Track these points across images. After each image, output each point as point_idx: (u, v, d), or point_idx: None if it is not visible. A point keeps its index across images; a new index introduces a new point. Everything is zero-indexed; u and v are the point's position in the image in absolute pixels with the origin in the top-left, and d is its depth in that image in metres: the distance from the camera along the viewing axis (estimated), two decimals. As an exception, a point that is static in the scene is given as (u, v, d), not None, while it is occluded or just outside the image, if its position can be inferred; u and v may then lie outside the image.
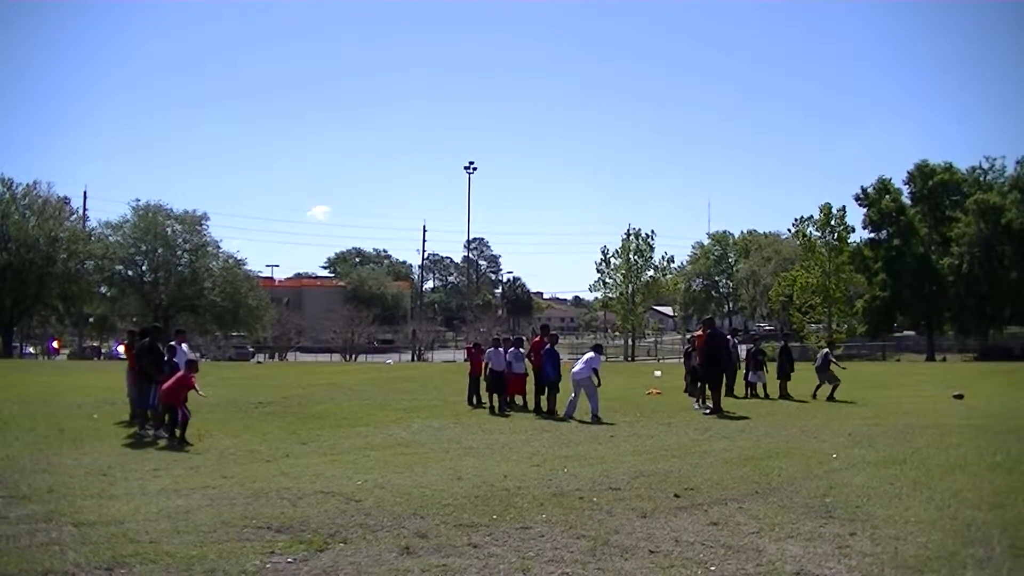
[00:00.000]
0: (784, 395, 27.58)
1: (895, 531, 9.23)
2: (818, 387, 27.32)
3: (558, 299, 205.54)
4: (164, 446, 16.24)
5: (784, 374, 28.06)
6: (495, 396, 23.33)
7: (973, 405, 24.23)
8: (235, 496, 11.09)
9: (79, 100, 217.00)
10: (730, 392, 26.28)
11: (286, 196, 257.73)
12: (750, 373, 28.37)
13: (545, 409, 22.42)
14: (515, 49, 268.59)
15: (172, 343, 19.92)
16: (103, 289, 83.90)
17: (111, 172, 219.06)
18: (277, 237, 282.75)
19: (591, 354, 22.59)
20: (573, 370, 22.01)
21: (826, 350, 28.33)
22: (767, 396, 27.71)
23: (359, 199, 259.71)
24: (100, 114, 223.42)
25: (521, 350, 24.24)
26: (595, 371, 21.66)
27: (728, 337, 26.96)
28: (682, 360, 32.35)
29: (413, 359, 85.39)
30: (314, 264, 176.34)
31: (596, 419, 20.89)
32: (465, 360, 26.88)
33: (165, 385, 17.17)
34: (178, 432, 16.72)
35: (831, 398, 26.51)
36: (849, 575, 7.69)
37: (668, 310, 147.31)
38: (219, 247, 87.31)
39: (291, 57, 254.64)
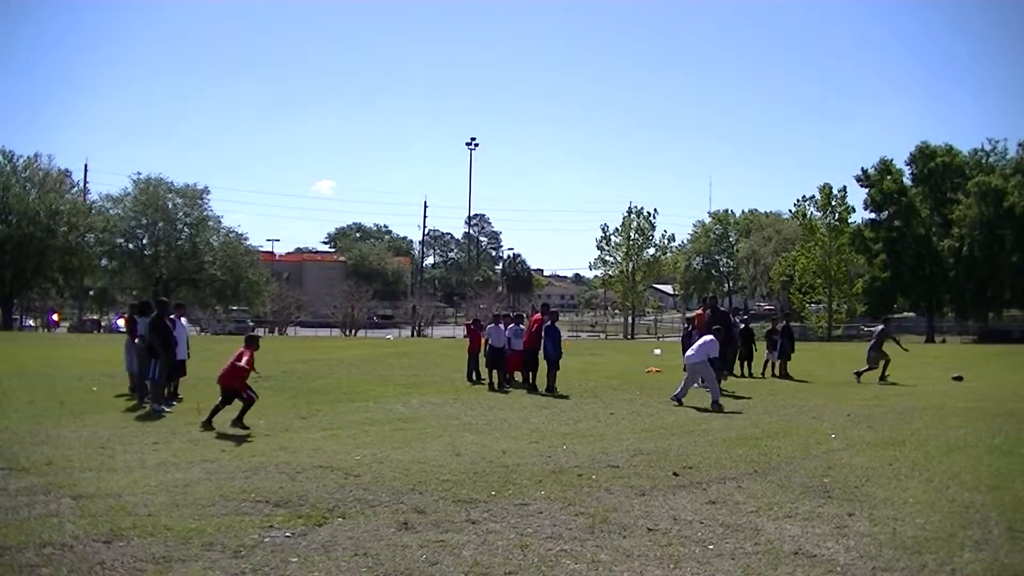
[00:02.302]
0: (784, 375, 27.61)
1: (893, 512, 9.24)
2: (868, 370, 26.31)
3: (558, 276, 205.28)
4: (163, 419, 16.23)
5: (785, 354, 28.15)
6: (495, 372, 23.34)
7: (972, 387, 24.24)
8: (234, 470, 11.10)
9: (81, 72, 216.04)
10: (729, 371, 26.25)
11: (292, 171, 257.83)
12: (766, 352, 28.49)
13: (545, 386, 22.37)
14: (519, 27, 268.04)
15: (172, 317, 19.89)
16: (103, 262, 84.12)
17: (113, 145, 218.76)
18: (282, 212, 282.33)
19: (709, 337, 20.58)
20: (687, 354, 20.78)
21: (882, 327, 27.83)
22: (774, 375, 27.75)
23: (364, 174, 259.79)
24: (102, 87, 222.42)
25: (521, 327, 24.22)
26: (709, 358, 19.90)
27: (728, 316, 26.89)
28: (681, 339, 32.32)
29: (413, 335, 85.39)
30: (319, 239, 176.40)
31: (717, 407, 19.02)
32: (465, 336, 26.88)
33: (224, 367, 15.44)
34: (211, 414, 15.32)
35: (883, 378, 25.91)
36: (847, 555, 7.70)
37: (668, 288, 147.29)
38: (220, 221, 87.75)
39: (297, 31, 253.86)
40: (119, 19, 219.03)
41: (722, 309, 25.23)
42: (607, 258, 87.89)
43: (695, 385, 23.17)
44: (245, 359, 15.32)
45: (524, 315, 27.81)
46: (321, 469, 11.24)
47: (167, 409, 17.15)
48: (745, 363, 28.18)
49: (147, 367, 18.19)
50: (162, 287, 78.19)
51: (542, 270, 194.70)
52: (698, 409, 18.92)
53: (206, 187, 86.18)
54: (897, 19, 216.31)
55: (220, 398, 15.37)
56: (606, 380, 25.30)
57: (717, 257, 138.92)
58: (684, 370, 20.98)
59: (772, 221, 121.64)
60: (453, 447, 13.45)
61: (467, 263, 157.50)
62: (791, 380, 26.66)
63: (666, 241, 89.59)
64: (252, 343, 15.85)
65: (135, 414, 17.09)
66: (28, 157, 76.43)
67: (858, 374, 26.21)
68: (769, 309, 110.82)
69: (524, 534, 8.27)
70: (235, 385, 15.30)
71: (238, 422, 15.03)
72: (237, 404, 15.30)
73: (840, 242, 77.44)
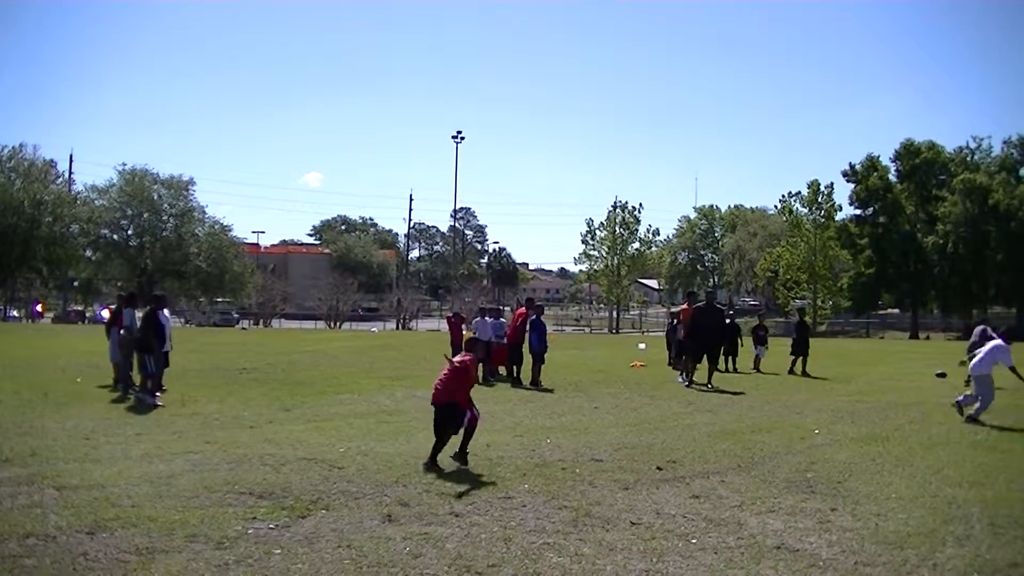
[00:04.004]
0: (804, 372, 26.97)
1: (876, 507, 9.29)
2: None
3: (543, 270, 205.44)
4: (147, 411, 16.16)
5: (803, 351, 27.44)
6: (480, 366, 23.30)
7: (956, 384, 24.28)
8: (218, 462, 11.08)
9: (67, 62, 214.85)
10: (714, 366, 26.06)
11: (281, 163, 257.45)
12: (754, 347, 28.29)
13: (529, 380, 22.35)
14: (506, 21, 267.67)
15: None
16: (88, 253, 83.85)
17: (98, 136, 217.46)
18: (270, 204, 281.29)
19: (997, 343, 16.91)
20: (973, 363, 17.21)
21: (983, 327, 25.83)
22: (758, 370, 27.54)
23: (352, 167, 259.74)
24: (88, 77, 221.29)
25: (502, 320, 24.23)
26: (1012, 368, 16.16)
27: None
28: (666, 333, 32.26)
29: (398, 327, 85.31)
30: (306, 231, 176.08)
31: (972, 420, 16.24)
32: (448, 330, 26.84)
33: (441, 380, 11.59)
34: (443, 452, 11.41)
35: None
36: (829, 550, 7.73)
37: (653, 283, 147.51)
38: (205, 212, 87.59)
39: (285, 22, 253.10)
40: (105, 9, 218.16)
41: (717, 305, 24.80)
42: (592, 252, 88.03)
43: (677, 380, 23.14)
44: (466, 366, 11.70)
45: (501, 309, 27.77)
46: (305, 461, 11.24)
47: (158, 403, 16.98)
48: (730, 358, 28.08)
49: (143, 360, 18.00)
50: (147, 278, 78.07)
51: (527, 264, 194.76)
52: (682, 403, 18.96)
53: (191, 178, 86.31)
54: (884, 16, 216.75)
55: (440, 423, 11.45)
56: (591, 374, 25.31)
57: (702, 252, 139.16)
58: (967, 384, 18.94)
59: (757, 216, 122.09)
60: (437, 440, 13.45)
61: (452, 256, 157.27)
62: (810, 378, 25.91)
63: (651, 236, 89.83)
64: (475, 348, 12.44)
65: (119, 405, 17.03)
66: (13, 147, 76.09)
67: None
68: (754, 304, 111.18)
69: (507, 527, 8.28)
70: (456, 399, 11.43)
71: (461, 455, 11.39)
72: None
73: (825, 237, 77.75)
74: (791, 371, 26.90)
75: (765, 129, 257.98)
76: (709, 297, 24.90)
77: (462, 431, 11.34)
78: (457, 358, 11.86)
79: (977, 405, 16.34)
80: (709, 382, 22.34)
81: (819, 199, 78.32)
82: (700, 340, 22.78)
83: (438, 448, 11.22)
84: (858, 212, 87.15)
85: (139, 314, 19.33)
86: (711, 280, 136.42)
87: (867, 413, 17.35)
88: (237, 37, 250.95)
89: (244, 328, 73.51)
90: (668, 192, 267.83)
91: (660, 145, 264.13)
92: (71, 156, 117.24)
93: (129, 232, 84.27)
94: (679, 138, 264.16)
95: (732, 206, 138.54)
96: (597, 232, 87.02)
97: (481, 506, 9.11)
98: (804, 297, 78.46)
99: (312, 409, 16.95)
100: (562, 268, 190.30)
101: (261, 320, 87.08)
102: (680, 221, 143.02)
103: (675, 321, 27.43)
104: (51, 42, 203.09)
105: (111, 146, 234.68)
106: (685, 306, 24.93)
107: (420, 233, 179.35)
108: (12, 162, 75.50)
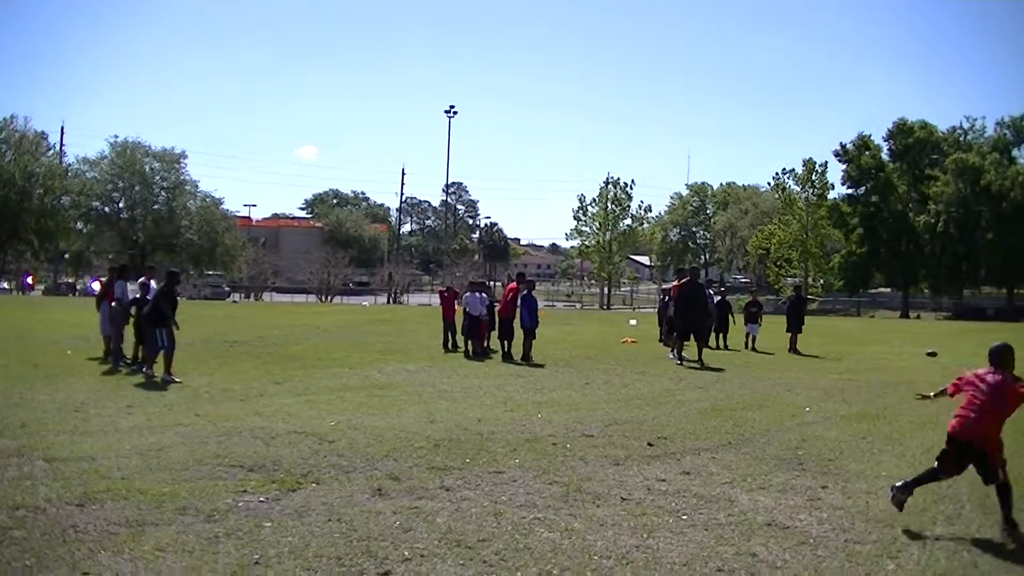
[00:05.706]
0: (794, 350, 26.99)
1: (866, 485, 9.32)
2: None
3: (535, 246, 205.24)
4: (137, 383, 16.12)
5: (796, 328, 27.59)
6: (471, 340, 23.31)
7: (946, 363, 24.34)
8: (208, 435, 11.07)
9: (58, 32, 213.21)
10: (705, 343, 26.00)
11: (275, 136, 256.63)
12: (745, 325, 28.21)
13: (520, 355, 22.34)
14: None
15: (142, 280, 19.68)
16: (79, 225, 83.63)
17: (90, 108, 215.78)
18: (264, 177, 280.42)
19: None
20: None
21: None
22: (753, 348, 27.40)
23: (346, 140, 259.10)
24: (81, 49, 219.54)
25: (485, 295, 24.25)
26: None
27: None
28: (657, 310, 32.24)
29: (389, 302, 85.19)
30: (298, 204, 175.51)
31: None
32: (440, 304, 26.81)
33: (973, 405, 7.98)
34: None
35: None
36: (820, 527, 7.74)
37: (645, 259, 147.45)
38: (197, 185, 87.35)
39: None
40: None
41: (699, 282, 24.72)
42: (583, 228, 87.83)
43: (668, 357, 23.14)
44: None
45: (489, 284, 27.72)
46: (295, 435, 11.23)
47: (167, 379, 16.72)
48: (720, 335, 28.05)
49: (155, 335, 17.67)
50: (138, 251, 77.91)
51: (519, 239, 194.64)
52: (673, 379, 18.96)
53: (183, 151, 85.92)
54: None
55: (942, 462, 8.20)
56: (582, 350, 25.31)
57: (694, 229, 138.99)
58: None
59: (750, 194, 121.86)
60: (428, 414, 13.44)
61: (444, 231, 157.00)
62: (800, 355, 26.01)
63: (643, 212, 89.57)
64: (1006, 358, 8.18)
65: (109, 378, 16.99)
66: (4, 119, 75.62)
67: None
68: (745, 282, 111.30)
69: (498, 502, 8.29)
70: (990, 443, 7.85)
71: (1008, 525, 7.73)
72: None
73: (818, 216, 77.73)
74: (791, 350, 26.82)
75: (758, 107, 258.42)
76: (692, 273, 24.77)
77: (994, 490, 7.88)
78: (992, 377, 8.06)
79: None
80: (699, 358, 22.33)
81: (812, 177, 78.25)
82: (685, 317, 22.83)
83: (918, 483, 8.22)
84: (850, 191, 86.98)
85: (131, 286, 19.32)
86: (703, 257, 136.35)
87: (858, 391, 17.39)
88: (232, 9, 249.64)
89: (235, 301, 73.37)
90: (660, 169, 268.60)
91: (653, 122, 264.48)
92: (62, 128, 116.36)
93: (120, 205, 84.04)
94: (672, 115, 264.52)
95: (724, 183, 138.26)
96: (589, 208, 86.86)
97: (472, 481, 9.11)
98: (795, 275, 78.52)
99: (303, 383, 16.93)
100: (553, 244, 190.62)
101: (252, 293, 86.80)
102: (672, 198, 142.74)
103: (666, 297, 27.38)
104: (42, 13, 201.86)
105: (103, 118, 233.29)
106: (676, 282, 24.89)
107: (412, 207, 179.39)
108: (3, 134, 75.10)
